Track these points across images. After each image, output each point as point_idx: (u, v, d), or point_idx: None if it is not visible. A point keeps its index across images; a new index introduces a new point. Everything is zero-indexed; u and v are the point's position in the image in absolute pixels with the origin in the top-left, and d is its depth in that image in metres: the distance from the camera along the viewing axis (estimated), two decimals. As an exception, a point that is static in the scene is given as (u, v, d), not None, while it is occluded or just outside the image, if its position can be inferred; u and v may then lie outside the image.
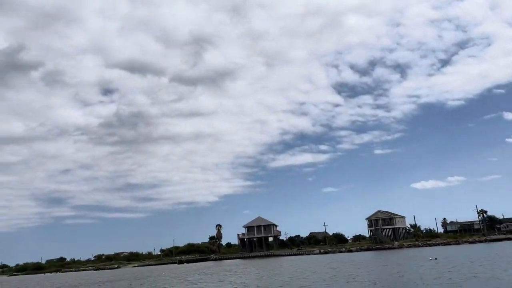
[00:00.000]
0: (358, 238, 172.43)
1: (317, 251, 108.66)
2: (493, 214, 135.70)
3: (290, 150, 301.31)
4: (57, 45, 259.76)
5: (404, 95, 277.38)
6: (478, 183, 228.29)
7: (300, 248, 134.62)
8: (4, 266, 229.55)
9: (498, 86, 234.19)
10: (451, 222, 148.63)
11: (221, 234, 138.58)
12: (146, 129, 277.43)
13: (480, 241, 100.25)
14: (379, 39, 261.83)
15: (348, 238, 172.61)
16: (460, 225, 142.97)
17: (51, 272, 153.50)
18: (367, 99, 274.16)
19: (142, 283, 45.49)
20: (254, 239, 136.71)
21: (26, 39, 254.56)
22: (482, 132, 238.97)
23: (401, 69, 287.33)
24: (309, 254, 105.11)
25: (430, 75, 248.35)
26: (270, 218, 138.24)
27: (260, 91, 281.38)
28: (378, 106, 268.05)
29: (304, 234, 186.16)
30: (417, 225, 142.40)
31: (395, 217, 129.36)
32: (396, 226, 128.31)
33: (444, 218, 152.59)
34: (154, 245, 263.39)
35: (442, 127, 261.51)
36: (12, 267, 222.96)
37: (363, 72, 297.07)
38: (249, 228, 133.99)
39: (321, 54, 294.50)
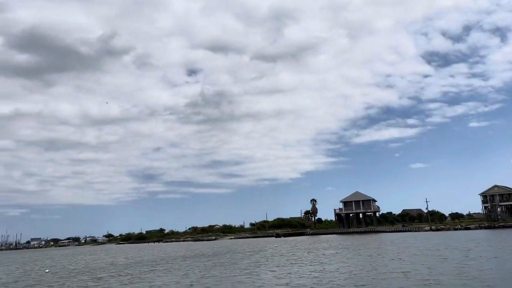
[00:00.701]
0: (455, 216, 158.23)
1: (427, 227, 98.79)
2: None
3: (375, 125, 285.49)
4: (145, 29, 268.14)
5: (504, 61, 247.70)
6: None
7: (404, 224, 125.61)
8: (110, 235, 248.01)
9: None
10: None
11: (317, 209, 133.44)
12: (229, 107, 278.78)
13: None
14: (475, 1, 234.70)
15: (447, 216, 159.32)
16: None
17: (153, 241, 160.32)
18: (461, 67, 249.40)
19: (271, 255, 41.45)
20: (351, 214, 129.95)
21: (118, 26, 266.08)
22: None
23: (501, 32, 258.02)
24: (418, 231, 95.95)
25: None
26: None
27: (343, 64, 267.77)
28: (474, 75, 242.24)
29: (393, 211, 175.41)
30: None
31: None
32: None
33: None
34: (239, 219, 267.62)
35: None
36: (116, 236, 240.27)
37: (456, 38, 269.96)
38: (346, 203, 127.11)
39: (408, 22, 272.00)
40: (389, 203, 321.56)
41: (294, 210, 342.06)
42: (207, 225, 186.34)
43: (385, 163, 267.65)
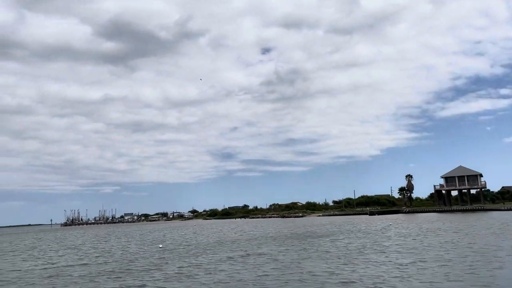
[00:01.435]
0: None
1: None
2: None
3: (462, 96, 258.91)
4: (219, 11, 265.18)
5: None
6: None
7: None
8: (195, 211, 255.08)
9: None
10: None
11: (413, 185, 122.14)
12: (303, 84, 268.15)
13: None
14: None
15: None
16: None
17: (240, 217, 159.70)
18: None
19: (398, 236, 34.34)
20: (453, 191, 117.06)
21: (193, 9, 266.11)
22: None
23: None
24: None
25: None
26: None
27: (425, 32, 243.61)
28: None
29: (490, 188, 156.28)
30: None
31: None
32: None
33: None
34: (316, 197, 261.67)
35: None
36: (201, 212, 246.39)
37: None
38: (448, 178, 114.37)
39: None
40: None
41: (375, 187, 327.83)
42: (283, 203, 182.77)
43: (475, 138, 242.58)
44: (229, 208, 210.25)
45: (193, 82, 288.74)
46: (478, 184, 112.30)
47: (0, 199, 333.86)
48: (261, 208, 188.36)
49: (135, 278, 18.20)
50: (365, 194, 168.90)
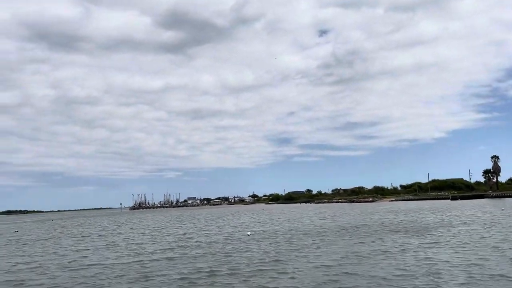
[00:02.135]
0: None
1: None
2: None
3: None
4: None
5: None
6: None
7: None
8: (255, 195, 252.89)
9: None
10: None
11: (499, 167, 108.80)
12: (363, 65, 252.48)
13: None
14: None
15: None
16: None
17: (304, 202, 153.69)
18: None
19: None
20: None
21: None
22: None
23: None
24: None
25: None
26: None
27: (494, 6, 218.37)
28: None
29: None
30: None
31: None
32: None
33: None
34: (378, 181, 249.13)
35: None
36: (261, 196, 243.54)
37: None
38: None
39: None
40: None
41: (444, 171, 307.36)
42: (343, 187, 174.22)
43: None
44: (291, 192, 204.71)
45: (249, 68, 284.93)
46: None
47: (74, 184, 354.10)
48: (325, 193, 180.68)
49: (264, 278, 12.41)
50: (435, 178, 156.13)
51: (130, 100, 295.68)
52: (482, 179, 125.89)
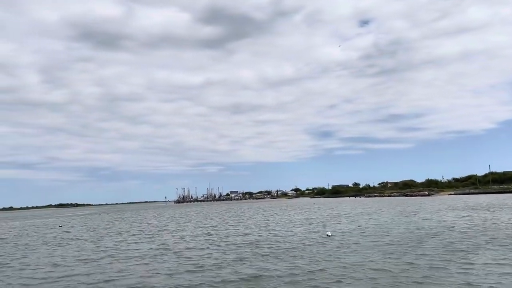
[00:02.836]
0: None
1: None
2: None
3: None
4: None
5: None
6: None
7: None
8: (298, 189, 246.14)
9: None
10: None
11: None
12: (406, 55, 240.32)
13: None
14: None
15: None
16: None
17: (354, 196, 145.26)
18: None
19: None
20: None
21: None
22: None
23: None
24: None
25: None
26: None
27: None
28: None
29: None
30: None
31: None
32: None
33: None
34: (424, 174, 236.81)
35: None
36: (304, 190, 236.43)
37: None
38: None
39: None
40: None
41: (498, 163, 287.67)
42: (389, 181, 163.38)
43: None
44: (337, 186, 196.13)
45: (288, 61, 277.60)
46: None
47: (120, 178, 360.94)
48: (373, 186, 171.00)
49: None
50: (494, 171, 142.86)
51: (172, 96, 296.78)
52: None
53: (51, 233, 36.74)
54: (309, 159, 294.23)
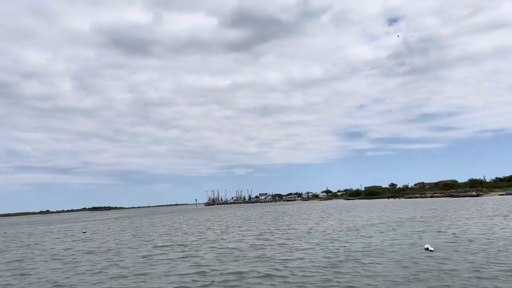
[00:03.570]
0: None
1: None
2: None
3: None
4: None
5: None
6: None
7: None
8: (329, 191, 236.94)
9: None
10: None
11: None
12: (438, 53, 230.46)
13: None
14: None
15: None
16: None
17: (393, 197, 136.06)
18: None
19: None
20: None
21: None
22: None
23: None
24: None
25: None
26: None
27: None
28: None
29: None
30: None
31: None
32: None
33: None
34: (460, 175, 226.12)
35: None
36: (335, 192, 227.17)
37: None
38: None
39: None
40: None
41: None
42: (450, 180, 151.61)
43: None
44: (372, 187, 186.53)
45: (316, 62, 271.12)
46: None
47: (151, 181, 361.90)
48: (412, 187, 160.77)
49: None
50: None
51: (200, 100, 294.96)
52: None
53: (68, 241, 31.40)
54: (338, 160, 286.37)
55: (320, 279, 12.32)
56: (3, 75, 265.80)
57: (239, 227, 35.55)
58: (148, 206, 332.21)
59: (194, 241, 25.09)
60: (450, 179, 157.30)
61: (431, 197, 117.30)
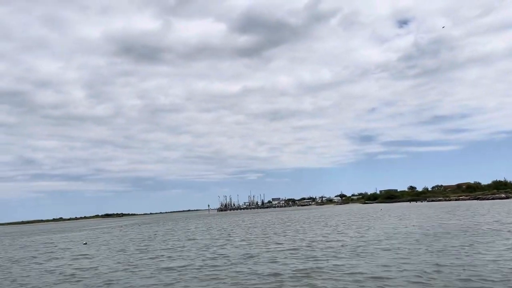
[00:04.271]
0: None
1: None
2: None
3: None
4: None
5: None
6: None
7: None
8: (343, 195, 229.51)
9: None
10: None
11: None
12: (449, 54, 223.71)
13: None
14: None
15: None
16: None
17: (415, 200, 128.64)
18: None
19: None
20: None
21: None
22: None
23: None
24: None
25: None
26: None
27: None
28: None
29: None
30: None
31: None
32: None
33: None
34: (474, 176, 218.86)
35: None
36: (349, 196, 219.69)
37: None
38: None
39: None
40: None
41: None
42: (442, 184, 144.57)
43: None
44: (390, 190, 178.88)
45: (326, 65, 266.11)
46: None
47: (163, 188, 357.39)
48: (432, 190, 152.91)
49: None
50: None
51: (211, 105, 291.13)
52: None
53: (62, 257, 25.59)
54: (350, 164, 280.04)
55: None
56: (17, 84, 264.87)
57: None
58: (160, 212, 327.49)
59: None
60: (465, 181, 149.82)
61: (456, 200, 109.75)
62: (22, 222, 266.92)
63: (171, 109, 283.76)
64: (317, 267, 14.58)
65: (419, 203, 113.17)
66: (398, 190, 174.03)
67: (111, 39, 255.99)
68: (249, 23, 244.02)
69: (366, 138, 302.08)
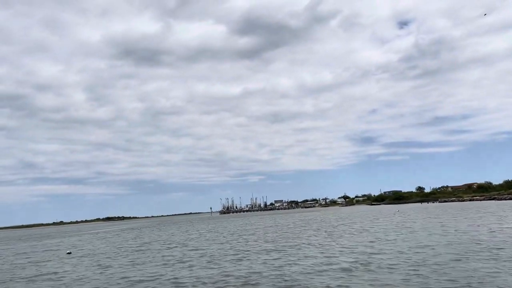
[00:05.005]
0: None
1: None
2: None
3: None
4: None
5: None
6: None
7: None
8: (347, 197, 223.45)
9: None
10: None
11: None
12: (450, 55, 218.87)
13: None
14: None
15: None
16: None
17: (426, 201, 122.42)
18: None
19: None
20: None
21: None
22: None
23: None
24: None
25: None
26: None
27: None
28: None
29: None
30: None
31: None
32: None
33: None
34: (475, 178, 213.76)
35: None
36: (353, 198, 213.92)
37: None
38: None
39: None
40: None
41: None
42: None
43: None
44: (396, 191, 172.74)
45: (327, 67, 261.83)
46: None
47: (165, 191, 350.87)
48: (441, 190, 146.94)
49: None
50: None
51: (212, 107, 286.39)
52: None
53: (22, 274, 19.57)
54: (352, 166, 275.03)
55: None
56: (17, 88, 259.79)
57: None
58: (162, 216, 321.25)
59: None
60: (468, 182, 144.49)
61: (470, 200, 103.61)
62: (22, 226, 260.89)
63: (172, 111, 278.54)
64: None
65: (431, 204, 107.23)
66: (402, 191, 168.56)
67: (111, 42, 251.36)
68: (249, 25, 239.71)
69: (367, 140, 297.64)
